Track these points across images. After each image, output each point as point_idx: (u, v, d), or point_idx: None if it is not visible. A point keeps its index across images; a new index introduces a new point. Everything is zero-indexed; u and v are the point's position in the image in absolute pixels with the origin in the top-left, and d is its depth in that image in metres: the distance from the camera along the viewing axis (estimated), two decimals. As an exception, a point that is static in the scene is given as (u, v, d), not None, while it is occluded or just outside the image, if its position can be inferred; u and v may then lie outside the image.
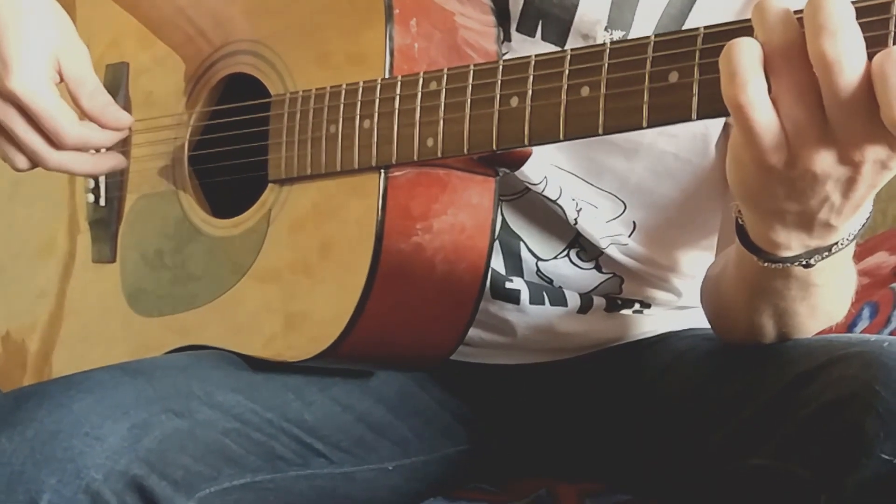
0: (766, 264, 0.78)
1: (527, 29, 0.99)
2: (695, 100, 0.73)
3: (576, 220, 1.00)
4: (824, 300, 0.86)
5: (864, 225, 0.77)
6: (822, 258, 0.77)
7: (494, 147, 0.84)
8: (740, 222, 0.79)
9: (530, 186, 0.99)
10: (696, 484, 0.91)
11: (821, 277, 0.81)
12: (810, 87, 0.66)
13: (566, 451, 1.06)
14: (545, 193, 0.99)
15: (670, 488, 0.95)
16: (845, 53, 0.64)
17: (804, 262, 0.77)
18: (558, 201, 1.00)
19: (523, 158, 0.92)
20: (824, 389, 0.80)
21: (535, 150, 0.91)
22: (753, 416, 0.86)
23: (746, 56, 0.66)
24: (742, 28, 0.71)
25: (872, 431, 0.75)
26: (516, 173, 0.97)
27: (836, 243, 0.76)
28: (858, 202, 0.71)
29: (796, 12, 0.67)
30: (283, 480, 0.93)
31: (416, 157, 0.87)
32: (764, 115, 0.67)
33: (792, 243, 0.75)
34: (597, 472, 1.04)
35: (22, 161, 0.99)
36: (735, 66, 0.66)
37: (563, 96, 0.79)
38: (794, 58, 0.66)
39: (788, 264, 0.77)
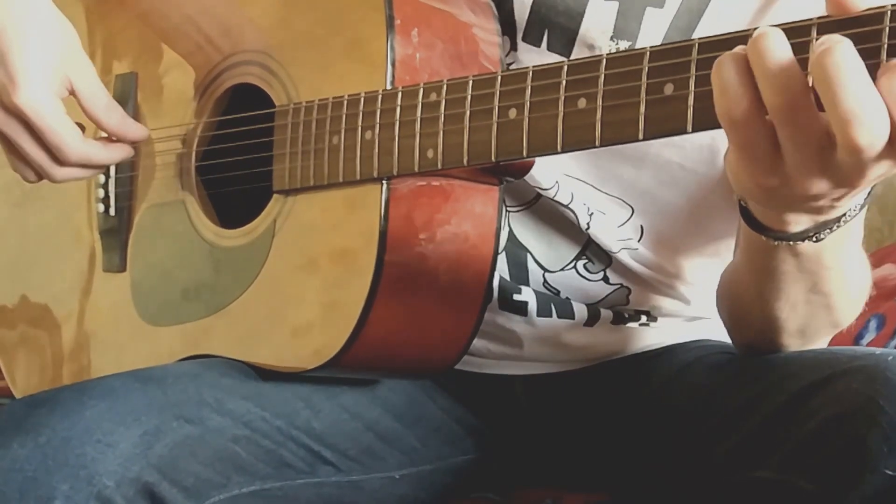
0: (775, 243, 0.77)
1: (532, 38, 0.98)
2: (690, 112, 0.71)
3: (588, 224, 1.00)
4: (837, 289, 0.85)
5: (869, 192, 0.75)
6: (832, 231, 0.75)
7: (494, 158, 0.83)
8: (744, 204, 0.77)
9: (542, 192, 0.99)
10: (702, 495, 0.90)
11: (831, 258, 0.80)
12: (818, 133, 0.65)
13: (572, 461, 1.06)
14: (557, 198, 0.99)
15: (676, 499, 0.94)
16: (863, 107, 0.61)
17: (813, 237, 0.76)
18: (570, 206, 0.99)
19: (526, 168, 0.92)
20: (828, 403, 0.79)
21: (543, 158, 0.90)
22: (758, 428, 0.85)
23: (737, 70, 0.65)
24: (737, 38, 0.70)
25: (875, 446, 0.74)
26: (527, 179, 0.97)
27: (844, 214, 0.74)
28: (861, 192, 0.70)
29: (787, 30, 0.66)
30: (291, 488, 0.94)
31: (416, 169, 0.86)
32: (759, 132, 0.66)
33: (801, 220, 0.74)
34: (602, 483, 1.03)
35: (32, 174, 0.99)
36: (727, 81, 0.65)
37: (561, 108, 0.78)
38: (801, 109, 0.64)
39: (798, 241, 0.76)
